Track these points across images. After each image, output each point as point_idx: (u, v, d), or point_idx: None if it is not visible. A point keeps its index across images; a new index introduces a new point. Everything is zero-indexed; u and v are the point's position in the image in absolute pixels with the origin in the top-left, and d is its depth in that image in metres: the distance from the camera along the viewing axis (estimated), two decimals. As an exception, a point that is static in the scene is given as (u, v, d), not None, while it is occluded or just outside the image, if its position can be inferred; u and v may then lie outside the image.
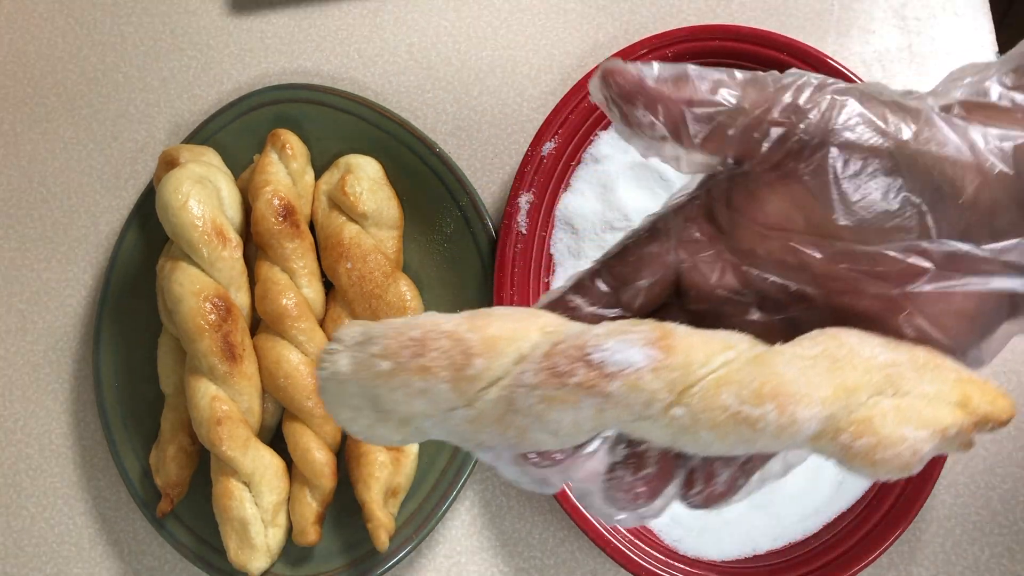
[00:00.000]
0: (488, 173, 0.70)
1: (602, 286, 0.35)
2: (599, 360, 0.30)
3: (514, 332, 0.31)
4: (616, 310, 0.35)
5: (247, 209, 0.66)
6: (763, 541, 0.60)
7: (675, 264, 0.35)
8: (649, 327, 0.31)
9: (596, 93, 0.33)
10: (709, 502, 0.33)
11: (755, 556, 0.59)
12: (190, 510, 0.65)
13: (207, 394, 0.60)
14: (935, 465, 0.58)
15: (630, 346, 0.30)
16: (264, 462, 0.61)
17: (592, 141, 0.66)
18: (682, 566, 0.59)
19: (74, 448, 0.70)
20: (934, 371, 0.32)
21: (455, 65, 0.72)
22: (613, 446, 0.33)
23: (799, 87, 0.32)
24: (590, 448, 0.33)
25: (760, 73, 0.33)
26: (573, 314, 0.34)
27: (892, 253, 0.32)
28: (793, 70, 0.33)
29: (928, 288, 0.32)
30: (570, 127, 0.65)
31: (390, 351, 0.31)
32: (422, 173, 0.66)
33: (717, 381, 0.30)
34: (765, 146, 0.32)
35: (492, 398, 0.30)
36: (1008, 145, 0.31)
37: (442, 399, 0.31)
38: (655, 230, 0.35)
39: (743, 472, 0.34)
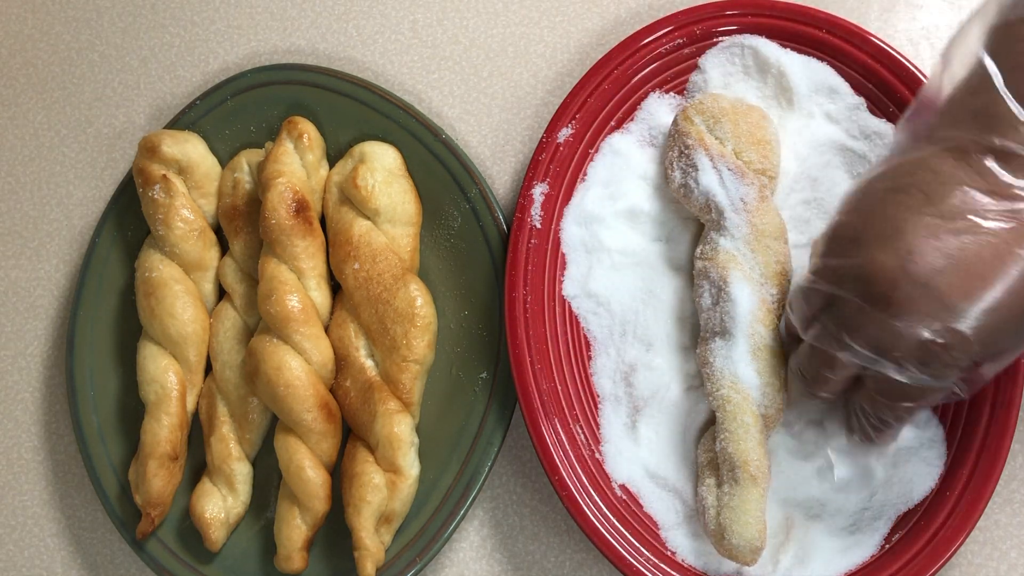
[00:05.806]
0: (499, 162, 0.70)
1: None
2: None
3: None
4: None
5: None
6: None
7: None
8: None
9: None
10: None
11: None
12: (173, 531, 0.65)
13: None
14: (988, 481, 0.57)
15: None
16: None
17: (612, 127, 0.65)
18: (712, 592, 0.60)
19: (45, 463, 0.70)
20: None
21: (463, 43, 0.72)
22: None
23: None
24: None
25: None
26: None
27: None
28: None
29: None
30: (589, 111, 0.64)
31: None
32: (427, 162, 0.67)
33: None
34: None
35: None
36: None
37: None
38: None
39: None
